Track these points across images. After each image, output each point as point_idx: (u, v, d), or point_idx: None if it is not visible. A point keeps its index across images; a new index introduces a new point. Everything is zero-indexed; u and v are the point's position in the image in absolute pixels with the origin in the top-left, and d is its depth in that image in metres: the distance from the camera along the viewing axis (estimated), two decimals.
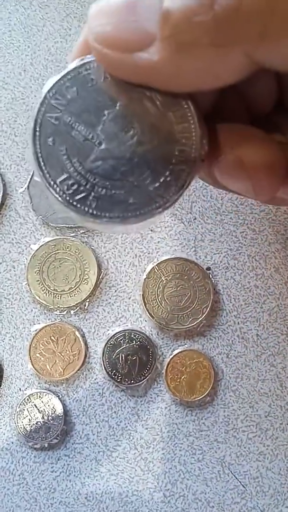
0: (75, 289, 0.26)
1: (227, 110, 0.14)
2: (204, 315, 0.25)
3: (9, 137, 0.27)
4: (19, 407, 0.25)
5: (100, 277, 0.26)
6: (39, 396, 0.25)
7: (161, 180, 0.12)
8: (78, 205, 0.12)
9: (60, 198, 0.12)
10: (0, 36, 0.28)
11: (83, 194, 0.12)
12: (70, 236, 0.26)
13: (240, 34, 0.10)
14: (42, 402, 0.25)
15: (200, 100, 0.12)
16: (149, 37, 0.10)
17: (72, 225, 0.26)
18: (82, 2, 0.28)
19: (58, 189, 0.12)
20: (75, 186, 0.12)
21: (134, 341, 0.25)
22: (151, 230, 0.26)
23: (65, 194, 0.12)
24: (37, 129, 0.12)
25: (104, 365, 0.25)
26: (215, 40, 0.10)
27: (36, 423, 0.25)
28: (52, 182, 0.12)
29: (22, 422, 0.25)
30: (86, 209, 0.12)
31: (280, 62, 0.10)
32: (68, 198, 0.12)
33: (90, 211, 0.12)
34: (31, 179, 0.26)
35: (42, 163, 0.12)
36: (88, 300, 0.26)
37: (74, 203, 0.12)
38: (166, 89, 0.11)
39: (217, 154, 0.12)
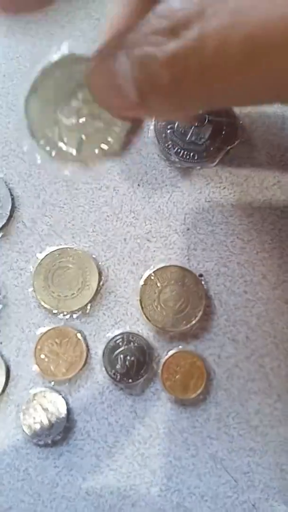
0: (77, 295, 0.27)
1: None
2: (197, 318, 0.27)
3: (17, 155, 0.29)
4: (24, 405, 0.27)
5: (101, 283, 0.28)
6: (44, 395, 0.27)
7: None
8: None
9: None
10: (9, 62, 0.31)
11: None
12: (73, 246, 0.28)
13: (187, 102, 0.13)
14: (46, 401, 0.27)
15: None
16: (133, 103, 0.13)
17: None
18: (84, 32, 0.31)
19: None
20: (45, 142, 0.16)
21: (132, 343, 0.27)
22: (148, 240, 0.28)
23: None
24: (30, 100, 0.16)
25: (104, 366, 0.27)
26: (176, 109, 0.13)
27: (41, 421, 0.27)
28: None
29: (27, 420, 0.27)
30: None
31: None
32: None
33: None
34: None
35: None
36: (89, 305, 0.28)
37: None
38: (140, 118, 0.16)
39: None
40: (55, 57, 0.16)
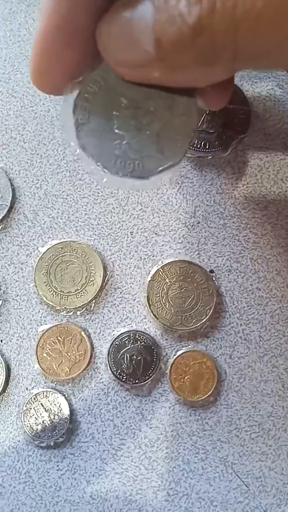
0: (81, 291, 0.26)
1: None
2: (208, 316, 0.25)
3: (18, 143, 0.28)
4: (25, 406, 0.26)
5: (106, 279, 0.26)
6: (46, 395, 0.26)
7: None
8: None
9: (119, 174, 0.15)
10: (10, 46, 0.29)
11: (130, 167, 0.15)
12: (77, 240, 0.27)
13: (218, 59, 0.12)
14: (48, 401, 0.26)
15: None
16: (149, 57, 0.13)
17: None
18: None
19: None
20: (123, 163, 0.15)
21: (138, 342, 0.26)
22: (156, 234, 0.27)
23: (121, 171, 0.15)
24: (78, 128, 0.15)
25: (109, 365, 0.26)
26: (199, 63, 0.12)
27: (42, 422, 0.26)
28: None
29: (28, 421, 0.26)
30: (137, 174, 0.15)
31: (256, 68, 0.13)
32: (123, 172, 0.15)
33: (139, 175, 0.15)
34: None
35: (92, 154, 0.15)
36: (94, 302, 0.26)
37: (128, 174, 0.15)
38: (167, 85, 0.14)
39: None
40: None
